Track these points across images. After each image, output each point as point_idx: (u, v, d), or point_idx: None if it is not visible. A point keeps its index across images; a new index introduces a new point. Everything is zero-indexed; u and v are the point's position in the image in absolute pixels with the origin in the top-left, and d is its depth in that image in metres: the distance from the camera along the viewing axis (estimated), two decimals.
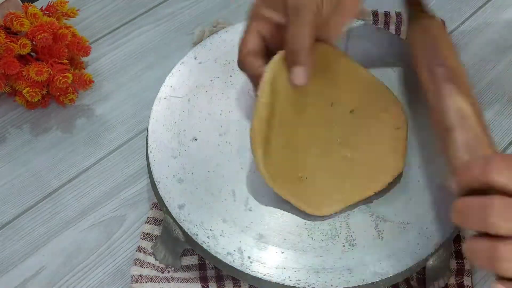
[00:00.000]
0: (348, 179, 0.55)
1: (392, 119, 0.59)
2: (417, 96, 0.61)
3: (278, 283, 0.50)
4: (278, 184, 0.53)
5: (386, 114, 0.59)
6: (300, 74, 0.52)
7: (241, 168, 0.56)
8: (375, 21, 0.74)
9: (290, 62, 0.52)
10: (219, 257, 0.51)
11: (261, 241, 0.52)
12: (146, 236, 0.58)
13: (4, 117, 0.68)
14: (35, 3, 0.69)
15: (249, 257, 0.51)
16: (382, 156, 0.57)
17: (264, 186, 0.55)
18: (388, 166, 0.56)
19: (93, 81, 0.66)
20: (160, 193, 0.54)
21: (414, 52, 0.59)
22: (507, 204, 0.41)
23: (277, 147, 0.53)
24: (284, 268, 0.51)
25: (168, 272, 0.56)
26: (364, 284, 0.50)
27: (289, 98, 0.55)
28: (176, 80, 0.62)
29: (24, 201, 0.62)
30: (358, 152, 0.56)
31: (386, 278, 0.50)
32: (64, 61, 0.65)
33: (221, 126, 0.59)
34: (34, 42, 0.64)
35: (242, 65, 0.55)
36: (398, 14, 0.74)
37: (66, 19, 0.70)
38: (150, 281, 0.55)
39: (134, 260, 0.57)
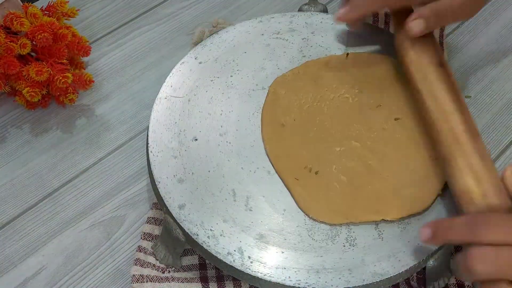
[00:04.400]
0: (361, 192, 0.54)
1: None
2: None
3: (279, 283, 0.50)
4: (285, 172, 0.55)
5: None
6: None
7: (242, 168, 0.56)
8: (375, 21, 0.74)
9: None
10: (219, 257, 0.51)
11: (261, 241, 0.52)
12: (146, 236, 0.58)
13: (4, 117, 0.68)
14: (35, 3, 0.69)
15: (249, 257, 0.51)
16: (410, 182, 0.55)
17: (264, 186, 0.55)
18: (411, 198, 0.54)
19: (93, 81, 0.66)
20: (161, 193, 0.54)
21: (405, 54, 0.58)
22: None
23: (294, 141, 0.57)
24: (285, 268, 0.51)
25: (169, 272, 0.56)
26: (364, 284, 0.50)
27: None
28: (177, 80, 0.62)
29: (24, 201, 0.62)
30: (384, 165, 0.55)
31: (386, 278, 0.50)
32: (64, 61, 0.65)
33: (221, 126, 0.59)
34: (34, 42, 0.64)
35: None
36: None
37: (66, 19, 0.70)
38: (151, 281, 0.55)
39: (135, 260, 0.57)
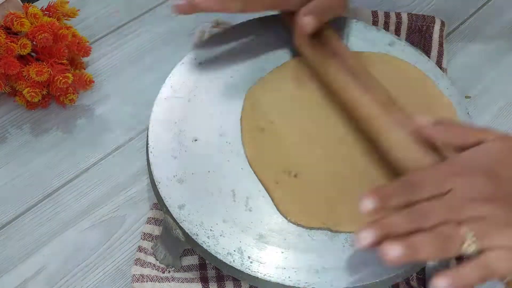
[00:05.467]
0: (343, 196, 0.53)
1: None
2: None
3: (278, 283, 0.50)
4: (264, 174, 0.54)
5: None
6: None
7: (241, 168, 0.56)
8: (375, 22, 0.74)
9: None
10: (219, 257, 0.51)
11: (261, 241, 0.52)
12: (146, 236, 0.58)
13: (4, 117, 0.68)
14: (35, 3, 0.69)
15: (249, 257, 0.51)
16: None
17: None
18: None
19: (93, 81, 0.66)
20: (160, 193, 0.54)
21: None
22: None
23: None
24: (284, 268, 0.51)
25: (169, 272, 0.56)
26: (364, 284, 0.50)
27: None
28: (177, 81, 0.62)
29: (24, 201, 0.62)
30: (372, 169, 0.54)
31: (386, 278, 0.50)
32: (64, 61, 0.65)
33: (221, 127, 0.59)
34: (34, 43, 0.64)
35: None
36: (398, 15, 0.75)
37: (66, 19, 0.70)
38: (151, 281, 0.55)
39: (135, 260, 0.57)
